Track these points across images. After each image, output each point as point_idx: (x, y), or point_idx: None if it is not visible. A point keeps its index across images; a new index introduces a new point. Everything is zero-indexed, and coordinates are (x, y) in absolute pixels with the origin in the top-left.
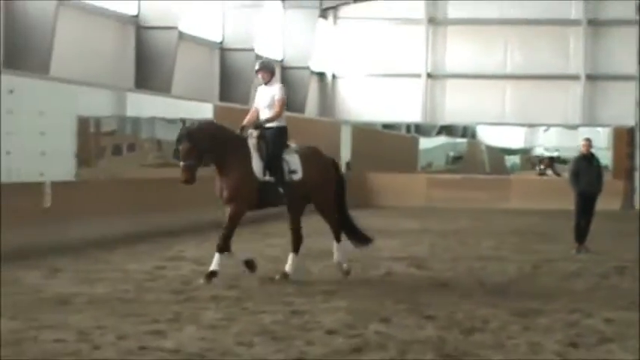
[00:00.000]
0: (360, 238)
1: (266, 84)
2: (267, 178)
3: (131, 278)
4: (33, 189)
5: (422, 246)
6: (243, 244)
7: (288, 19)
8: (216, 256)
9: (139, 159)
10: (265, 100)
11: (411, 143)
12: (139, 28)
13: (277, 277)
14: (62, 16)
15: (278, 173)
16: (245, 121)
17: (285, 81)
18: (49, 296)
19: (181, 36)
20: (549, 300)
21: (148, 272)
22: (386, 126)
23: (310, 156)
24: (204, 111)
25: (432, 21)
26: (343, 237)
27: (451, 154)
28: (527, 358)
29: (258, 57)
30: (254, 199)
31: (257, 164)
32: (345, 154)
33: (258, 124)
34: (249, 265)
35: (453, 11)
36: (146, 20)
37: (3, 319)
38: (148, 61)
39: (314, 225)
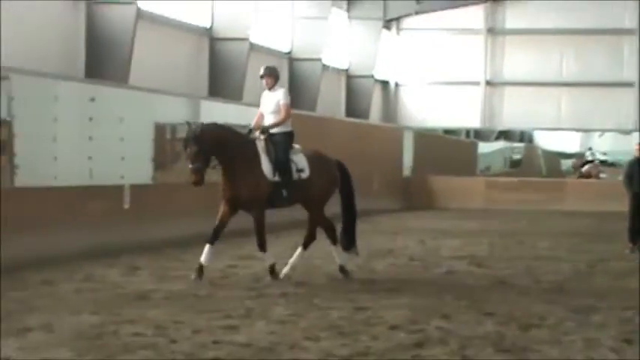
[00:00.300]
0: (352, 243)
1: (270, 89)
2: (276, 179)
3: (205, 275)
4: (113, 191)
5: (481, 246)
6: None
7: (354, 30)
8: (266, 254)
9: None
10: (270, 105)
11: (471, 148)
12: (212, 40)
13: (282, 273)
14: (141, 29)
15: (286, 175)
16: (252, 124)
17: (350, 89)
18: (128, 292)
19: (252, 47)
20: (603, 298)
21: (221, 270)
22: (446, 131)
23: (315, 157)
24: None
25: (491, 31)
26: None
27: (511, 157)
28: (582, 353)
29: (324, 66)
30: (265, 199)
31: (266, 166)
32: (407, 159)
33: (264, 129)
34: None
35: (511, 22)
36: (219, 32)
37: (85, 314)
38: (221, 71)
39: (375, 225)
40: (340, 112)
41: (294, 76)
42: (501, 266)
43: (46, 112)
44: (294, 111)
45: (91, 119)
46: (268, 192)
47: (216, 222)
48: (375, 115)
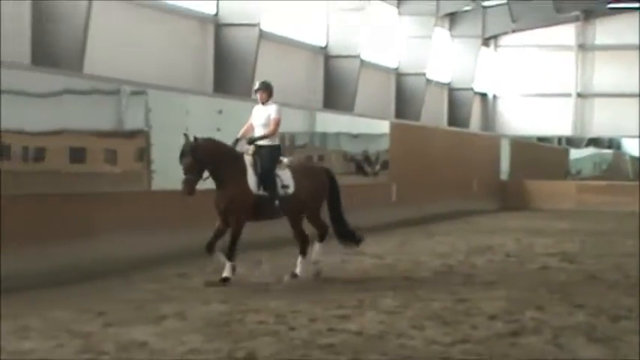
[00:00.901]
0: (350, 238)
1: (263, 104)
2: (262, 192)
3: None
4: None
5: (573, 243)
6: (417, 242)
7: (455, 47)
8: (227, 264)
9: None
10: (261, 118)
11: (563, 154)
12: (327, 57)
13: (286, 278)
14: (263, 48)
15: (272, 188)
16: (239, 134)
17: (451, 101)
18: (252, 284)
19: (363, 63)
20: None
21: (334, 264)
22: (540, 139)
23: (300, 169)
24: (381, 127)
25: (582, 47)
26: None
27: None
28: None
29: (428, 81)
30: (250, 211)
31: (252, 179)
32: (504, 164)
33: (251, 140)
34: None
35: (600, 38)
36: (333, 50)
37: (214, 303)
38: (335, 85)
39: (474, 224)
40: (442, 122)
41: (401, 90)
42: (591, 262)
43: (178, 123)
44: (399, 121)
45: (218, 129)
46: (251, 205)
47: (214, 232)
48: (474, 125)
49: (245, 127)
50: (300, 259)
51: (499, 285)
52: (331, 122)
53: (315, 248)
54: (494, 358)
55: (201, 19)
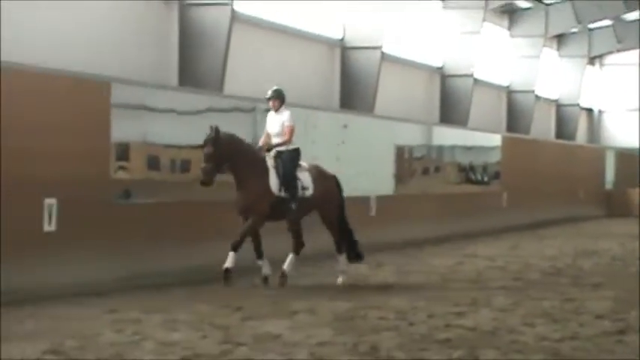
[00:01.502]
0: (355, 253)
1: (276, 111)
2: (283, 194)
3: (437, 271)
4: (362, 201)
5: None
6: (527, 246)
7: (562, 66)
8: (230, 254)
9: (442, 178)
10: (275, 126)
11: None
12: (443, 77)
13: (280, 279)
14: (384, 68)
15: (293, 190)
16: (260, 143)
17: (559, 116)
18: (374, 283)
19: (476, 82)
20: None
21: (450, 266)
22: None
23: (317, 174)
24: (494, 140)
25: None
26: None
27: None
28: None
29: (537, 97)
30: (268, 212)
31: (274, 181)
32: (609, 174)
33: (270, 148)
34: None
35: None
36: (449, 70)
37: (340, 300)
38: (450, 102)
39: (580, 229)
40: (551, 135)
41: (512, 106)
42: None
43: (307, 136)
44: (510, 134)
45: (343, 142)
46: (271, 205)
47: (252, 239)
48: (580, 138)
49: (263, 137)
50: (290, 256)
51: (605, 286)
52: (447, 136)
53: (342, 259)
54: (601, 355)
55: (329, 43)
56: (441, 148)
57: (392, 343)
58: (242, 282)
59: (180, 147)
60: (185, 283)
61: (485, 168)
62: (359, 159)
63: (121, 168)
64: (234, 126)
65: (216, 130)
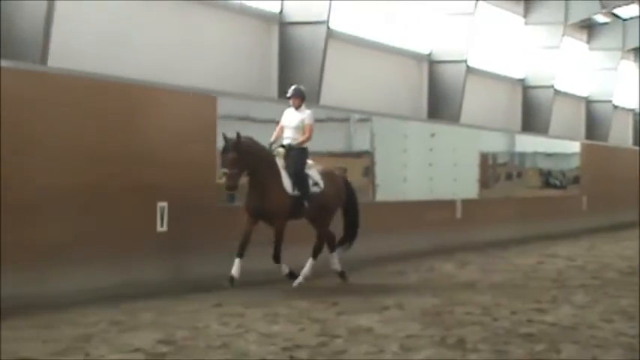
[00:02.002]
0: (349, 242)
1: (296, 109)
2: (296, 192)
3: (519, 269)
4: (448, 205)
5: None
6: (604, 247)
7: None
8: (281, 265)
9: (524, 183)
10: (294, 121)
11: None
12: (525, 88)
13: (296, 284)
14: (469, 80)
15: (305, 188)
16: (272, 138)
17: (636, 124)
18: (460, 281)
19: (556, 92)
20: None
21: (531, 265)
22: None
23: (325, 173)
24: (573, 147)
25: None
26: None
27: None
28: None
29: (615, 107)
30: (288, 212)
31: (287, 181)
32: None
33: (287, 147)
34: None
35: None
36: (530, 82)
37: (427, 296)
38: (532, 112)
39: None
40: (628, 142)
41: (590, 115)
42: None
43: (398, 145)
44: (589, 141)
45: (431, 150)
46: (289, 205)
47: (242, 235)
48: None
49: (276, 130)
50: (332, 256)
51: None
52: (528, 143)
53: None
54: None
55: (417, 57)
56: (522, 155)
57: (477, 337)
58: (337, 279)
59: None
60: (283, 280)
61: (564, 173)
62: (446, 165)
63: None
64: (329, 134)
65: (237, 136)
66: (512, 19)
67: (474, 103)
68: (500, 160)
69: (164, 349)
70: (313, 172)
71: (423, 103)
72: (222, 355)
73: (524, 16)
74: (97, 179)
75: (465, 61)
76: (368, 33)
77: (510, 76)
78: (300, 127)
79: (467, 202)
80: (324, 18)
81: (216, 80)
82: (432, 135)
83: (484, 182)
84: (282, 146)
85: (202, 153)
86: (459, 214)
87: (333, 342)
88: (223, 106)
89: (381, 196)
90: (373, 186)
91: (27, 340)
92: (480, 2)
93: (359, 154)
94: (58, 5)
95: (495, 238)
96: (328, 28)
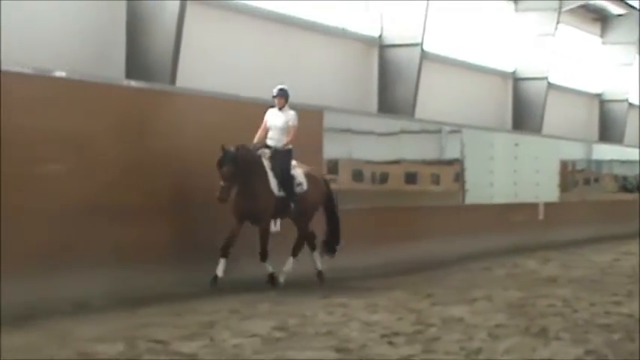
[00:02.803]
0: (332, 248)
1: (280, 109)
2: (281, 193)
3: (597, 266)
4: (531, 207)
5: None
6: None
7: None
8: (264, 264)
9: (601, 187)
10: (279, 122)
11: None
12: (601, 102)
13: (281, 279)
14: (550, 96)
15: (290, 189)
16: (256, 139)
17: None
18: (542, 276)
19: (630, 106)
20: None
21: (608, 262)
22: None
23: (307, 174)
24: None
25: None
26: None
27: None
28: None
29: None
30: (273, 212)
31: (273, 181)
32: None
33: (273, 149)
34: (271, 278)
35: None
36: (607, 96)
37: (512, 290)
38: (608, 123)
39: None
40: None
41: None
42: None
43: (485, 153)
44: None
45: (515, 158)
46: (275, 206)
47: (229, 235)
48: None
49: (260, 131)
50: (315, 254)
51: None
52: (605, 152)
53: (290, 260)
54: None
55: (502, 75)
56: (599, 162)
57: (558, 327)
58: (431, 274)
59: (379, 163)
60: (384, 275)
61: (638, 178)
62: (529, 172)
63: (331, 180)
64: (423, 144)
65: (237, 148)
66: (591, 38)
67: (554, 115)
68: (579, 167)
69: (278, 334)
70: (297, 172)
71: (508, 116)
72: (327, 341)
73: (601, 36)
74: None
75: (546, 79)
76: (458, 53)
77: (589, 91)
78: (285, 129)
79: (548, 205)
80: (419, 41)
81: (321, 97)
82: (516, 144)
83: (564, 187)
84: (268, 147)
85: (310, 161)
86: (541, 216)
87: (428, 330)
88: (328, 120)
89: (470, 199)
90: (463, 191)
91: (159, 326)
92: (560, 25)
93: (450, 162)
94: (184, 32)
95: (575, 238)
96: (422, 50)
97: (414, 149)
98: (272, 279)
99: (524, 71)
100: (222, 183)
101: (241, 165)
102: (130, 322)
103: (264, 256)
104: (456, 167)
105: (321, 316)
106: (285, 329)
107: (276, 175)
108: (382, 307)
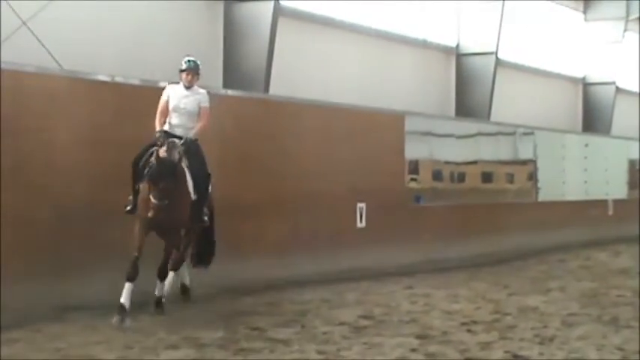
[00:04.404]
0: (204, 259)
1: (188, 88)
2: (194, 197)
3: None
4: (602, 203)
5: None
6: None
7: None
8: (171, 274)
9: None
10: (188, 104)
11: None
12: None
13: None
14: (619, 98)
15: (205, 192)
16: (159, 125)
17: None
18: (614, 268)
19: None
20: None
21: None
22: None
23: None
24: None
25: None
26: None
27: None
28: None
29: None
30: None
31: (190, 184)
32: None
33: (187, 140)
34: (158, 303)
35: None
36: None
37: (585, 281)
38: None
39: None
40: None
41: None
42: None
43: (557, 153)
44: None
45: (585, 157)
46: (189, 213)
47: (136, 254)
48: None
49: (160, 114)
50: (184, 265)
51: None
52: None
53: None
54: None
55: (572, 80)
56: None
57: (629, 316)
58: (509, 266)
59: (457, 163)
60: (464, 267)
61: None
62: (599, 170)
63: (413, 179)
64: (499, 146)
65: (174, 162)
66: None
67: (622, 118)
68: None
69: (365, 322)
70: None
71: (579, 119)
72: (411, 329)
73: None
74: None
75: (614, 83)
76: (531, 61)
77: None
78: (196, 113)
79: (617, 202)
80: (493, 49)
81: (404, 103)
82: (586, 145)
83: (632, 184)
84: (178, 137)
85: (393, 162)
86: (610, 211)
87: (505, 319)
88: (410, 123)
89: (543, 196)
90: (536, 189)
91: (259, 314)
92: (627, 32)
93: (524, 162)
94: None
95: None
96: (497, 57)
97: (490, 150)
98: (159, 302)
99: (593, 77)
100: (157, 201)
101: (180, 175)
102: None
103: (164, 274)
104: (529, 167)
105: (404, 305)
106: (370, 317)
107: (192, 176)
108: (462, 297)
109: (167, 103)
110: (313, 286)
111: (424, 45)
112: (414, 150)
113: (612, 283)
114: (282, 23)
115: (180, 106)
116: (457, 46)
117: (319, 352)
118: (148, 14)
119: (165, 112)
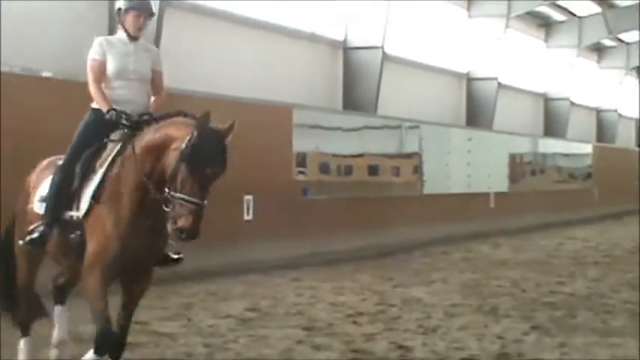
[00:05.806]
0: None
1: (133, 39)
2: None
3: (543, 250)
4: (483, 197)
5: None
6: (614, 230)
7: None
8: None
9: (546, 178)
10: (141, 65)
11: None
12: (546, 101)
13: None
14: (501, 94)
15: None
16: (104, 103)
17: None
18: (494, 260)
19: (572, 104)
20: None
21: (553, 246)
22: None
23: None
24: (586, 149)
25: None
26: None
27: None
28: None
29: (620, 116)
30: None
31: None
32: None
33: (149, 119)
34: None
35: None
36: (550, 95)
37: (467, 272)
38: (552, 120)
39: None
40: (632, 144)
41: (600, 124)
42: None
43: (441, 147)
44: (602, 144)
45: (469, 151)
46: None
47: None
48: None
49: (96, 81)
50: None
51: None
52: (549, 145)
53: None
54: None
55: (456, 75)
56: (544, 155)
57: (508, 305)
58: (394, 259)
59: (344, 156)
60: (350, 260)
61: (579, 170)
62: (481, 164)
63: (300, 172)
64: (385, 139)
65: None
66: (535, 42)
67: (504, 113)
68: (526, 160)
69: (251, 315)
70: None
71: (462, 113)
72: (297, 321)
73: (545, 40)
74: None
75: (497, 79)
76: (416, 56)
77: (535, 90)
78: (149, 80)
79: (499, 195)
80: (380, 44)
81: (293, 96)
82: (470, 139)
83: (513, 178)
84: (122, 115)
85: (281, 156)
86: (492, 204)
87: (389, 310)
88: (298, 117)
89: (428, 189)
90: (421, 182)
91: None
92: (508, 30)
93: (409, 156)
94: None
95: (523, 224)
96: (384, 52)
97: (377, 143)
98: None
99: (477, 72)
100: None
101: None
102: None
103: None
104: (415, 160)
105: (290, 297)
106: (257, 310)
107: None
108: (348, 289)
109: (103, 64)
110: (199, 278)
111: (312, 39)
112: (301, 143)
113: (492, 274)
114: (173, 16)
115: (128, 68)
116: (345, 40)
117: (205, 346)
118: None
119: (99, 80)
